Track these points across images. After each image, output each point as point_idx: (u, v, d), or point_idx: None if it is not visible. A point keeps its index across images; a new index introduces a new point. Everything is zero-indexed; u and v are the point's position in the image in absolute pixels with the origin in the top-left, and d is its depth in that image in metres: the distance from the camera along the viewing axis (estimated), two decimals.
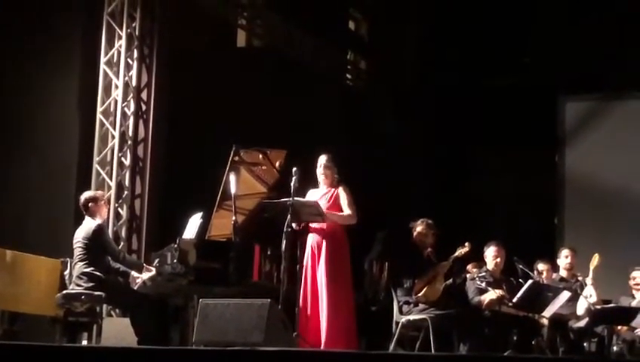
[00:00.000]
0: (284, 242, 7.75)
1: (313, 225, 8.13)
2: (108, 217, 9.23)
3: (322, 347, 7.80)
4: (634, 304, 9.33)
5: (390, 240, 11.13)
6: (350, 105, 12.90)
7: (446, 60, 13.63)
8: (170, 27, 10.16)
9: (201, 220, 8.09)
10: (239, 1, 11.29)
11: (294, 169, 7.93)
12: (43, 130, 9.90)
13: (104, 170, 9.86)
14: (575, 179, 13.36)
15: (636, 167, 12.85)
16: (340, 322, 7.99)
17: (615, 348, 9.21)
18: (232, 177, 8.05)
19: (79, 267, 7.97)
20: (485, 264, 9.13)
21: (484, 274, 8.92)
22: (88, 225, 8.05)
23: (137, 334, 7.78)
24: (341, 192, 8.19)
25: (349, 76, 13.62)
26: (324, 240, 8.10)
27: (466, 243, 8.60)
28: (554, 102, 13.60)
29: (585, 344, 9.32)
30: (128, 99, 9.92)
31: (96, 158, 9.87)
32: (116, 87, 9.94)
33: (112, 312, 9.29)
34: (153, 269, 8.00)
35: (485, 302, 8.77)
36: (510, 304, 8.63)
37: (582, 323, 9.12)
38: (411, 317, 8.54)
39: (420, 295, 8.48)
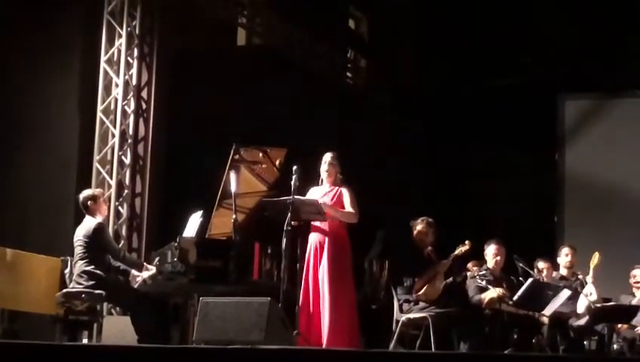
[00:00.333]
0: (284, 240, 7.74)
1: (316, 224, 8.13)
2: (108, 216, 9.23)
3: (324, 346, 7.79)
4: (634, 302, 9.34)
5: (390, 239, 11.13)
6: (350, 104, 12.90)
7: (446, 60, 13.64)
8: (170, 26, 10.17)
9: (202, 219, 8.08)
10: None
11: (294, 167, 7.92)
12: (43, 128, 9.90)
13: (104, 169, 9.85)
14: (575, 178, 13.37)
15: (636, 166, 12.86)
16: (343, 321, 7.97)
17: (615, 346, 9.22)
18: (232, 176, 8.04)
19: (79, 265, 7.96)
20: (485, 262, 9.13)
21: (484, 272, 8.93)
22: (88, 223, 8.05)
23: (137, 332, 7.77)
24: (344, 191, 8.19)
25: (349, 75, 13.62)
26: (326, 240, 8.09)
27: (466, 242, 8.60)
28: (553, 102, 13.61)
29: (585, 342, 9.34)
30: (128, 97, 9.91)
31: (96, 157, 9.86)
32: (116, 85, 9.94)
33: (113, 311, 9.28)
34: (153, 268, 7.99)
35: (485, 301, 8.76)
36: (510, 302, 8.64)
37: (582, 322, 9.12)
38: (411, 316, 8.54)
39: (420, 293, 8.48)
